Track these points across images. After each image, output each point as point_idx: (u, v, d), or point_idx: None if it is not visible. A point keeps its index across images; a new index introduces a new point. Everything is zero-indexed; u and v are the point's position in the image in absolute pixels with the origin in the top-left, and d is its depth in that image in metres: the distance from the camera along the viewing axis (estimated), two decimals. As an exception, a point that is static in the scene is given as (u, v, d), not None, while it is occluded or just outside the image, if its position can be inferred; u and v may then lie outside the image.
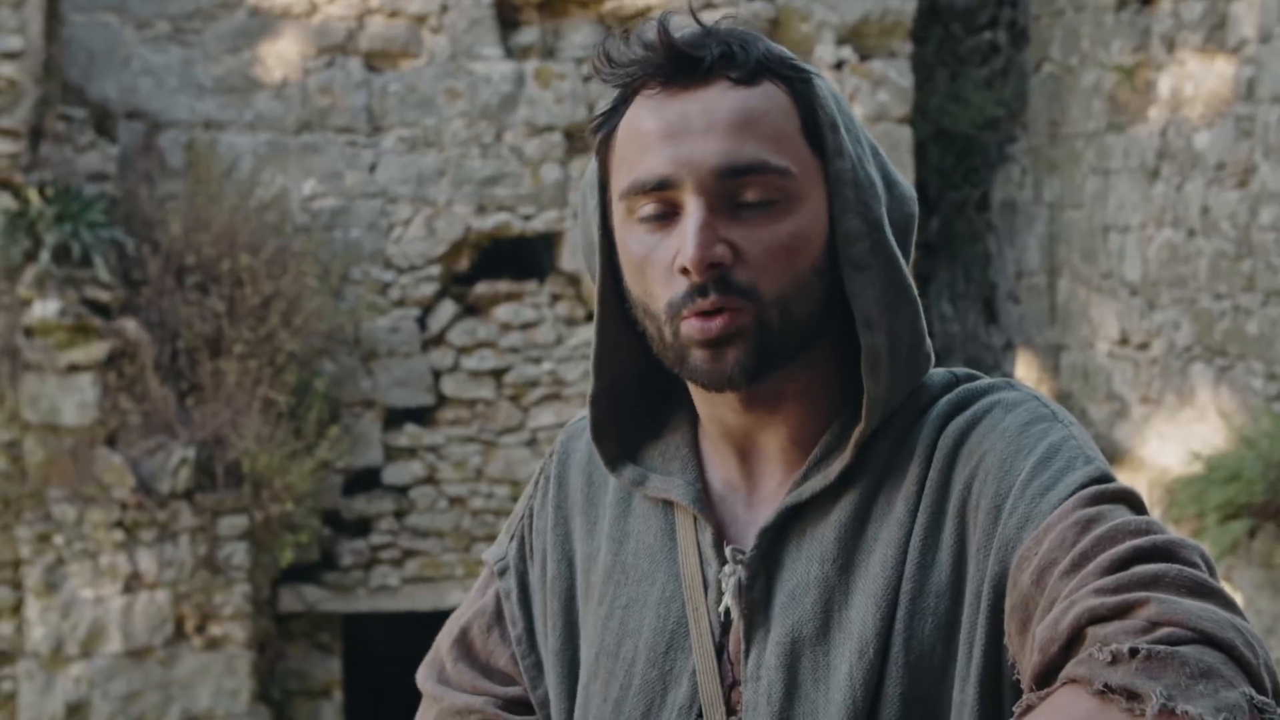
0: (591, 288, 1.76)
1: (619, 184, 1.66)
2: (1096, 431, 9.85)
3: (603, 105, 1.70)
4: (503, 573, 1.86)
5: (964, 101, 11.15)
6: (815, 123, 1.65)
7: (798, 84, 1.65)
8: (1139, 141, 9.41)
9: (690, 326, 1.61)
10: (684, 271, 1.60)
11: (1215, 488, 7.93)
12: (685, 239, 1.59)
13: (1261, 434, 7.96)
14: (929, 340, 1.69)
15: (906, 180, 1.74)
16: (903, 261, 1.66)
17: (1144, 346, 9.47)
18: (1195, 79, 8.92)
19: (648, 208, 1.63)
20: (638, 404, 1.77)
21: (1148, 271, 9.36)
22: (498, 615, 1.86)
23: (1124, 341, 9.67)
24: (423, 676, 1.90)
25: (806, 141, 1.64)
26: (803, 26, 9.76)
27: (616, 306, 1.71)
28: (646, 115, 1.64)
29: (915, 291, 1.67)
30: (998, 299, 11.10)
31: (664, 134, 1.62)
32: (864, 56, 9.83)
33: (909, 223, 1.70)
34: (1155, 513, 8.68)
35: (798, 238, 1.62)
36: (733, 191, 1.61)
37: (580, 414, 1.87)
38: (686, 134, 1.61)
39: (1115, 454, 9.60)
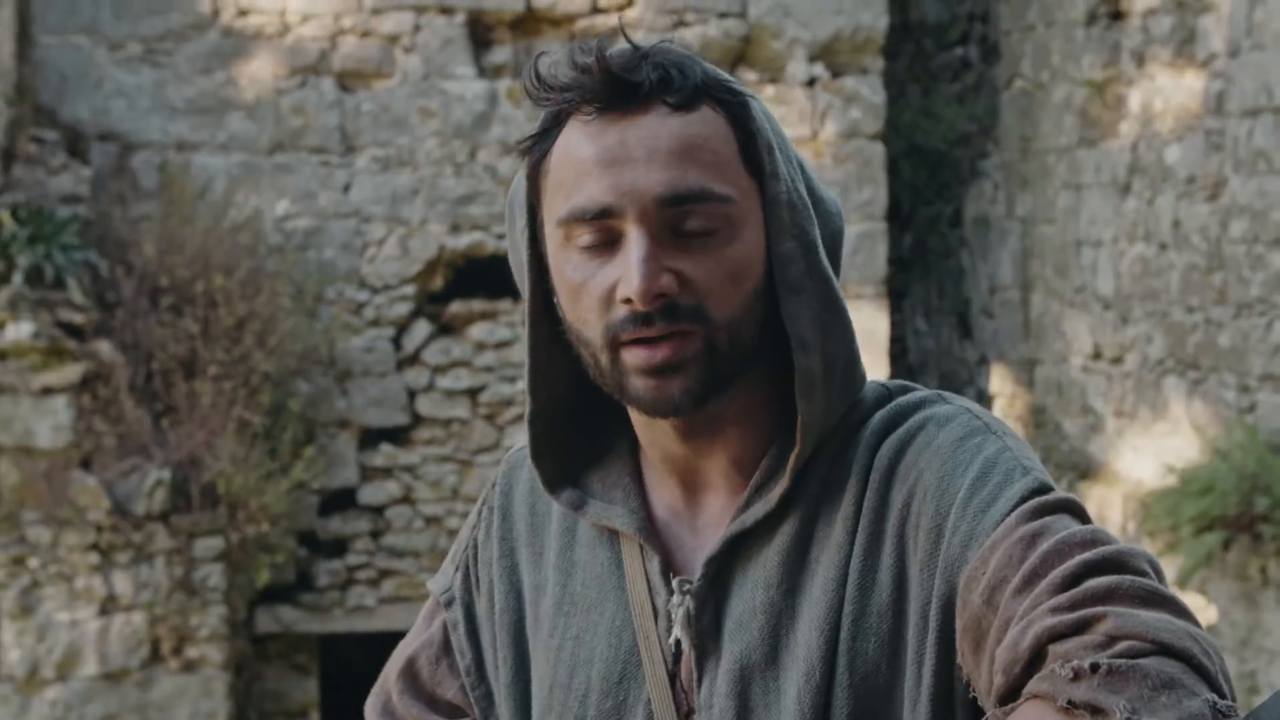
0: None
1: (555, 210, 1.63)
2: (1071, 445, 9.88)
3: (534, 126, 1.67)
4: (449, 604, 1.85)
5: (936, 117, 11.18)
6: (752, 146, 1.64)
7: (735, 107, 1.64)
8: (1110, 156, 9.45)
9: (633, 355, 1.59)
10: (627, 301, 1.58)
11: (1189, 500, 7.95)
12: (629, 269, 1.58)
13: (1234, 446, 7.99)
14: (861, 359, 1.69)
15: (832, 195, 1.72)
16: (835, 281, 1.66)
17: (1117, 360, 9.50)
18: (1165, 93, 8.96)
19: (586, 236, 1.61)
20: (575, 427, 1.76)
21: (1120, 285, 9.39)
22: (445, 646, 1.85)
23: (1097, 355, 9.70)
24: (370, 708, 1.89)
25: (744, 164, 1.63)
26: (774, 44, 9.79)
27: (548, 327, 1.70)
28: (583, 141, 1.61)
29: (848, 311, 1.67)
30: (971, 314, 11.12)
31: (603, 161, 1.60)
32: (836, 73, 9.85)
33: (836, 239, 1.69)
34: (1130, 526, 8.70)
35: (741, 263, 1.61)
36: (675, 219, 1.59)
37: (520, 444, 1.86)
38: (628, 162, 1.59)
39: (1089, 468, 9.62)
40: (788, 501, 1.65)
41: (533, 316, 1.69)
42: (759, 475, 1.66)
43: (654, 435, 1.69)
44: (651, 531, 1.71)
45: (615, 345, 1.61)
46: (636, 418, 1.70)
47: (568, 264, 1.63)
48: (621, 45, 1.63)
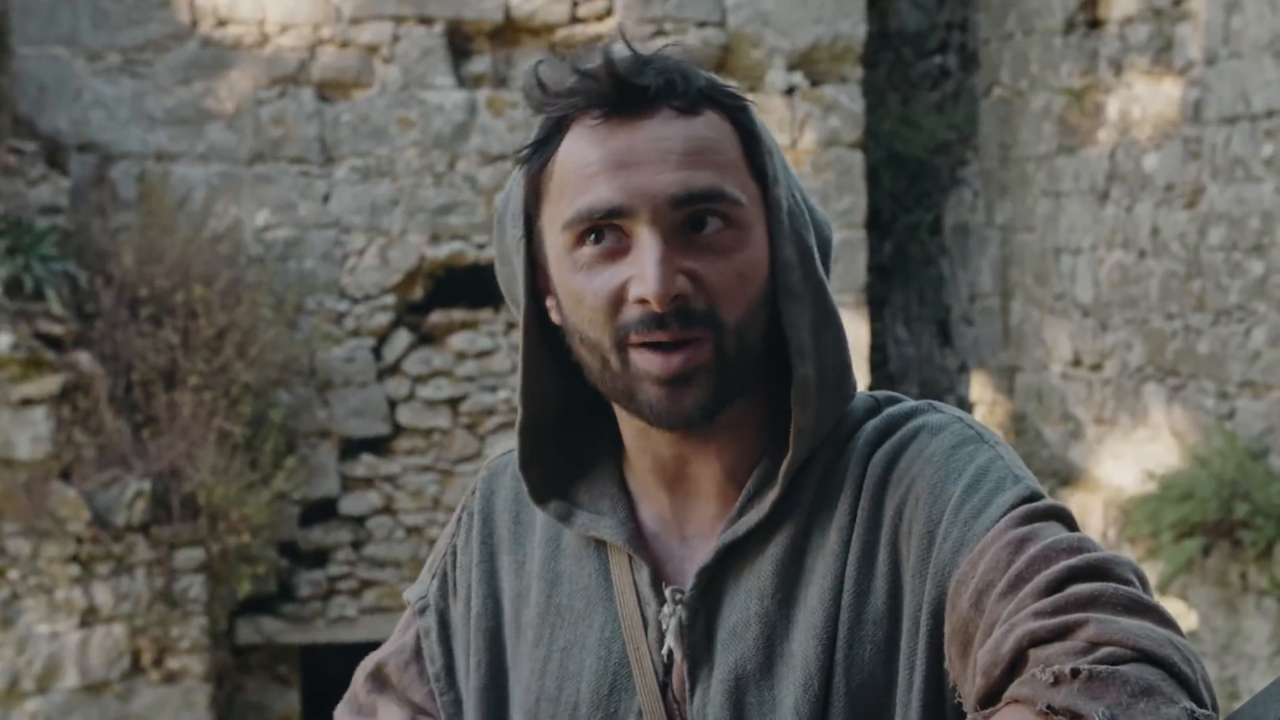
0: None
1: (560, 214, 1.62)
2: (1051, 452, 9.90)
3: (534, 134, 1.66)
4: (423, 610, 1.84)
5: (915, 126, 11.21)
6: (754, 151, 1.64)
7: (737, 112, 1.64)
8: (1089, 164, 9.47)
9: (647, 360, 1.58)
10: (641, 302, 1.57)
11: (1169, 507, 7.97)
12: (645, 270, 1.56)
13: (1214, 453, 8.01)
14: (852, 369, 1.69)
15: (819, 207, 1.73)
16: (829, 290, 1.66)
17: (1097, 367, 9.51)
18: (1143, 101, 8.99)
19: (593, 239, 1.60)
20: (559, 439, 1.75)
21: (1099, 293, 9.41)
22: (416, 652, 1.84)
23: (1077, 363, 9.71)
24: (339, 713, 1.89)
25: (748, 169, 1.63)
26: (754, 52, 9.80)
27: (540, 338, 1.69)
28: (589, 146, 1.60)
29: (840, 319, 1.67)
30: (951, 322, 11.14)
31: (612, 164, 1.59)
32: (815, 82, 9.86)
33: (827, 249, 1.70)
34: (1110, 532, 8.72)
35: (750, 265, 1.60)
36: (687, 221, 1.59)
37: (501, 451, 1.85)
38: (637, 164, 1.58)
39: (1070, 474, 9.64)
40: (781, 511, 1.65)
41: (526, 325, 1.68)
42: (752, 483, 1.66)
43: (646, 442, 1.68)
44: (640, 542, 1.71)
45: (625, 346, 1.59)
46: (630, 425, 1.69)
47: (572, 268, 1.62)
48: (623, 51, 1.62)
